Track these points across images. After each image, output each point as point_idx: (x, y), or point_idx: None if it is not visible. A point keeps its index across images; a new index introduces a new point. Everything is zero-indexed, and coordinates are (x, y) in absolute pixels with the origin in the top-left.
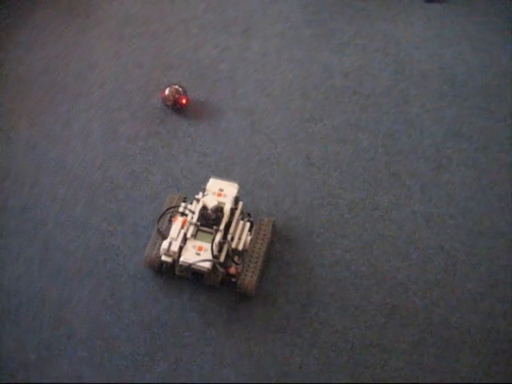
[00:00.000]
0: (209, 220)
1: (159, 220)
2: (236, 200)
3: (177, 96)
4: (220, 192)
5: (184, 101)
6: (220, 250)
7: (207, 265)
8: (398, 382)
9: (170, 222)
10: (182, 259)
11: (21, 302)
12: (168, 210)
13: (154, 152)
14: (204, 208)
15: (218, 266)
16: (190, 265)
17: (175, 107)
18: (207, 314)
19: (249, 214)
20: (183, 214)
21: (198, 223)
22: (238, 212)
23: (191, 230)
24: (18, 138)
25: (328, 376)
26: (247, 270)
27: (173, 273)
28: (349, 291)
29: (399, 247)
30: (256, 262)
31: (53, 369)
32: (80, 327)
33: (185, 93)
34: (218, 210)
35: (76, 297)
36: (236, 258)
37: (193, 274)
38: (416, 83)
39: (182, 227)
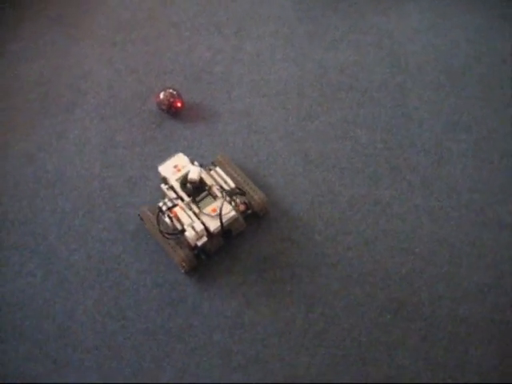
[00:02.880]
0: (195, 189)
1: (159, 226)
2: (192, 162)
3: (171, 100)
4: (177, 168)
5: (179, 104)
6: (224, 198)
7: (232, 212)
8: (406, 383)
9: (171, 219)
10: (212, 228)
11: (25, 316)
12: (158, 213)
13: (152, 157)
14: (184, 183)
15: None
16: (220, 220)
17: (170, 111)
18: (212, 320)
19: (213, 163)
20: (174, 205)
21: (192, 198)
22: (202, 169)
23: (193, 206)
24: (14, 152)
25: (336, 375)
26: (252, 196)
27: (207, 255)
28: (353, 288)
29: (402, 242)
30: (249, 186)
31: (61, 380)
32: (86, 338)
33: (179, 96)
34: (196, 181)
35: (80, 308)
36: (238, 195)
37: (224, 237)
38: (412, 76)
39: (185, 212)
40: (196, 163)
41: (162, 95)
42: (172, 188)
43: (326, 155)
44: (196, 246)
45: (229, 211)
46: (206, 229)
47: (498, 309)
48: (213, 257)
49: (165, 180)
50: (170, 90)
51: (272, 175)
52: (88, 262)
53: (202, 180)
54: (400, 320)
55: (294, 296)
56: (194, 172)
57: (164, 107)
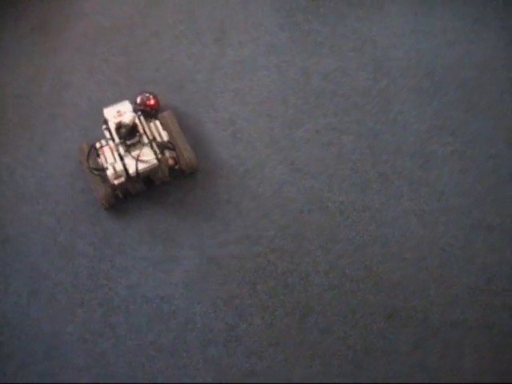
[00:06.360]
0: (128, 134)
1: (88, 161)
2: (135, 111)
3: (145, 99)
4: (119, 113)
5: (152, 102)
6: (152, 147)
7: (154, 160)
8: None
9: (99, 156)
10: (131, 171)
11: (12, 336)
12: (90, 151)
13: None
14: (119, 126)
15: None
16: (136, 171)
17: (146, 110)
18: (205, 334)
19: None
20: (106, 144)
21: (122, 140)
22: (142, 118)
23: (121, 148)
24: None
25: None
26: (182, 153)
27: (129, 194)
28: (346, 296)
29: (393, 247)
30: (183, 143)
31: None
32: (76, 357)
33: (154, 95)
34: (128, 125)
35: (69, 327)
36: (168, 149)
37: (145, 183)
38: (395, 80)
39: (112, 152)
40: (139, 113)
41: (138, 99)
42: (109, 129)
43: (313, 163)
44: (115, 184)
45: (150, 159)
46: (126, 171)
47: (491, 312)
48: (132, 199)
49: (105, 121)
50: (146, 94)
51: (259, 185)
52: (75, 280)
53: (135, 127)
54: (394, 326)
55: (287, 306)
56: (128, 117)
57: (141, 108)
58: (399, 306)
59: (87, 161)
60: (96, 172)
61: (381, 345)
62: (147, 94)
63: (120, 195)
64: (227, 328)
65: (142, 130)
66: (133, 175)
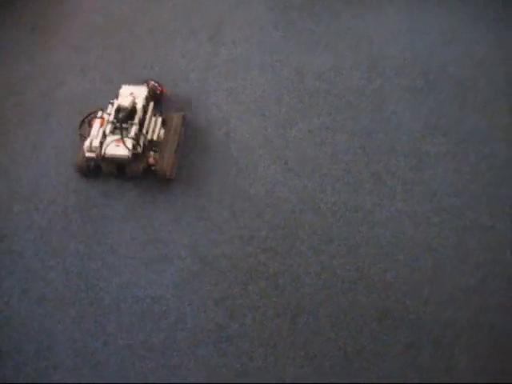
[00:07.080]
0: (124, 118)
1: (81, 127)
2: (147, 100)
3: (158, 87)
4: (133, 95)
5: (164, 89)
6: (137, 141)
7: (126, 152)
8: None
9: (90, 125)
10: (102, 151)
11: (3, 336)
12: (87, 116)
13: None
14: (119, 108)
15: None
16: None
17: (157, 96)
18: (196, 334)
19: (160, 111)
20: (100, 117)
21: (115, 120)
22: (150, 109)
23: (109, 127)
24: None
25: None
26: (163, 157)
27: (93, 170)
28: (338, 297)
29: (385, 248)
30: (170, 150)
31: None
32: (67, 357)
33: (158, 83)
34: (125, 108)
35: (60, 326)
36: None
37: (118, 169)
38: (389, 79)
39: (101, 127)
40: (151, 103)
41: (149, 86)
42: (112, 105)
43: (306, 162)
44: (85, 157)
45: (126, 149)
46: (101, 149)
47: (483, 312)
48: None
49: (116, 96)
50: (151, 81)
51: (252, 185)
52: (67, 279)
53: (134, 113)
54: (386, 327)
55: (278, 307)
56: (126, 100)
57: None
58: (391, 306)
59: (80, 125)
60: (81, 137)
61: (372, 346)
62: (153, 82)
63: (91, 168)
64: (218, 328)
65: (137, 120)
66: (102, 155)
